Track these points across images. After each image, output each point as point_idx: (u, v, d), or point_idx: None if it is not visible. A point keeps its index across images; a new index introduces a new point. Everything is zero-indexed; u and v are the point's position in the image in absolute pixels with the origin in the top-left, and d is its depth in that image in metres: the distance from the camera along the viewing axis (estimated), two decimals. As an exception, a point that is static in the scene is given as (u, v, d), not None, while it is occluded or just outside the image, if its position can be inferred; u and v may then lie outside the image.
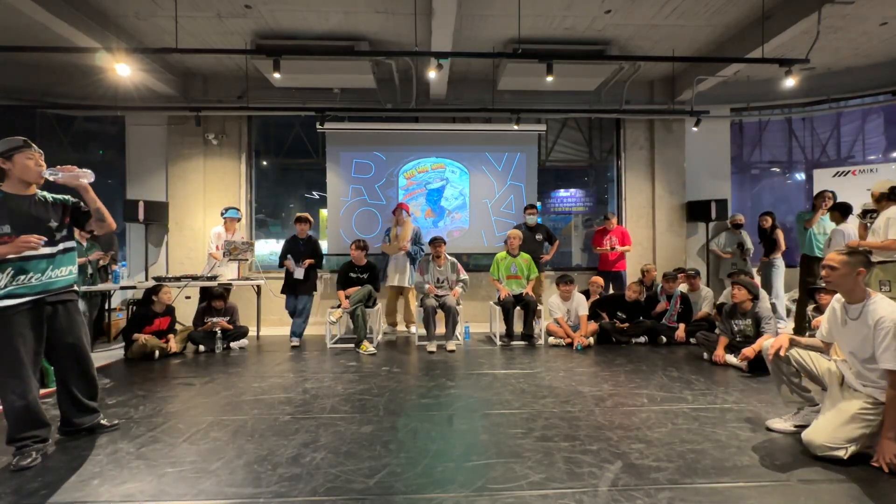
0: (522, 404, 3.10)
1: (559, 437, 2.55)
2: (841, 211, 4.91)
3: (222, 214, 5.58)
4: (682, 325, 4.99)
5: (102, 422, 2.68)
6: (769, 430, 2.65)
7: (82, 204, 2.52)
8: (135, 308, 5.57)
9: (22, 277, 2.30)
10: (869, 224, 4.01)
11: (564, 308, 5.12)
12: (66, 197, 2.54)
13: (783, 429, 2.62)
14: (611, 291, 6.04)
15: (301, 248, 5.33)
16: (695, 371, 3.92)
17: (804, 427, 2.55)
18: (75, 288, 2.57)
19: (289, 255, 5.29)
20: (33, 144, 2.39)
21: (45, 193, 2.47)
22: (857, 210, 4.50)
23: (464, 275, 5.31)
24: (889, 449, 2.17)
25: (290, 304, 5.35)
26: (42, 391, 3.32)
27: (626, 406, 3.06)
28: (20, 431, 2.30)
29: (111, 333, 5.50)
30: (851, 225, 4.85)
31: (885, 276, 3.95)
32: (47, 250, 2.38)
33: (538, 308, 5.31)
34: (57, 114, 6.55)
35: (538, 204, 6.38)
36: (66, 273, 2.48)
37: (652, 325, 5.09)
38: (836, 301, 2.50)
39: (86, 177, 2.42)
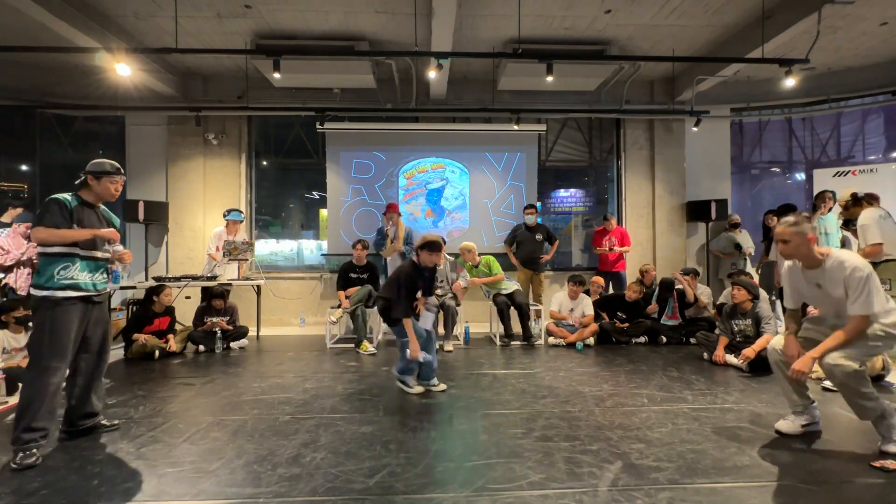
0: (522, 404, 3.10)
1: (559, 437, 2.55)
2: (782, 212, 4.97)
3: (225, 216, 5.58)
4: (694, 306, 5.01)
5: (102, 422, 2.69)
6: (778, 433, 2.62)
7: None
8: (136, 308, 5.57)
9: (79, 274, 2.48)
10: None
11: (569, 306, 5.12)
12: (111, 215, 2.79)
13: (792, 431, 2.59)
14: (611, 291, 6.05)
15: (426, 283, 3.61)
16: (695, 371, 3.92)
17: (810, 424, 2.58)
18: (108, 290, 2.78)
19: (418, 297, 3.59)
20: (122, 171, 2.73)
21: (104, 208, 2.76)
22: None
23: (464, 272, 5.31)
24: (804, 363, 2.33)
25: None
26: (13, 401, 3.30)
27: (626, 406, 3.06)
28: (37, 420, 2.29)
29: (111, 333, 5.49)
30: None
31: (884, 275, 3.98)
32: (100, 254, 2.61)
33: (536, 308, 5.30)
34: (57, 114, 6.55)
35: (538, 204, 6.38)
36: (104, 278, 2.66)
37: (652, 325, 5.09)
38: (794, 264, 2.56)
39: (121, 267, 2.78)
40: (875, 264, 4.07)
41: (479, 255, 5.41)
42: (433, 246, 3.43)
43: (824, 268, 2.40)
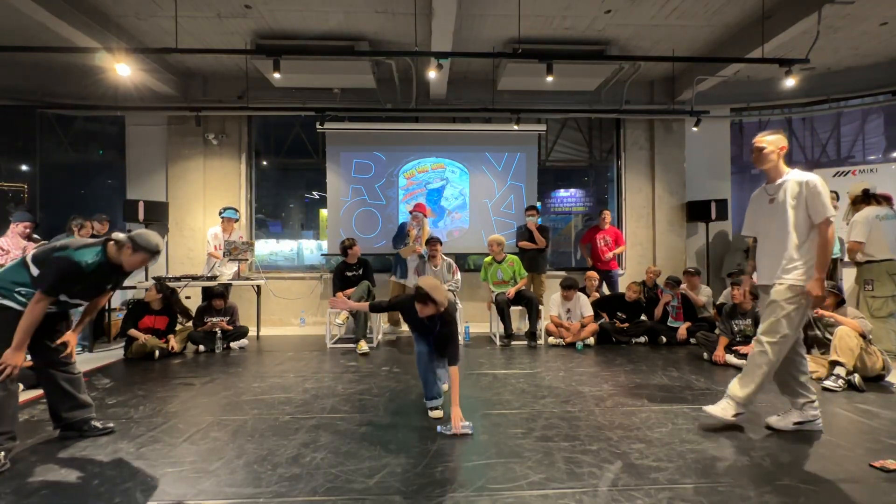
0: (522, 404, 3.10)
1: (559, 437, 2.55)
2: None
3: (220, 214, 5.59)
4: (685, 325, 4.99)
5: (96, 424, 2.63)
6: (768, 428, 2.65)
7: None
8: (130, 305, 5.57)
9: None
10: None
11: (565, 308, 5.12)
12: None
13: (783, 426, 2.62)
14: (606, 292, 6.03)
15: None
16: (695, 371, 3.92)
17: (804, 423, 2.58)
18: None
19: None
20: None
21: None
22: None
23: (457, 275, 5.32)
24: (814, 287, 2.45)
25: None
26: (32, 394, 3.31)
27: (626, 406, 3.06)
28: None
29: (111, 333, 5.49)
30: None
31: (868, 276, 4.01)
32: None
33: (539, 307, 5.30)
34: (57, 114, 6.55)
35: (538, 204, 6.38)
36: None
37: (652, 325, 5.09)
38: (757, 190, 2.79)
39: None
40: (858, 264, 4.11)
41: (506, 253, 5.45)
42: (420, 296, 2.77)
43: (785, 180, 2.59)
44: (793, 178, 2.56)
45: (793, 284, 2.51)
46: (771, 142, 2.61)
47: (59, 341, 2.52)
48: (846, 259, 5.08)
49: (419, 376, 3.03)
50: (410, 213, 5.78)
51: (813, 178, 2.52)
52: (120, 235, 2.46)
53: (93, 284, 2.46)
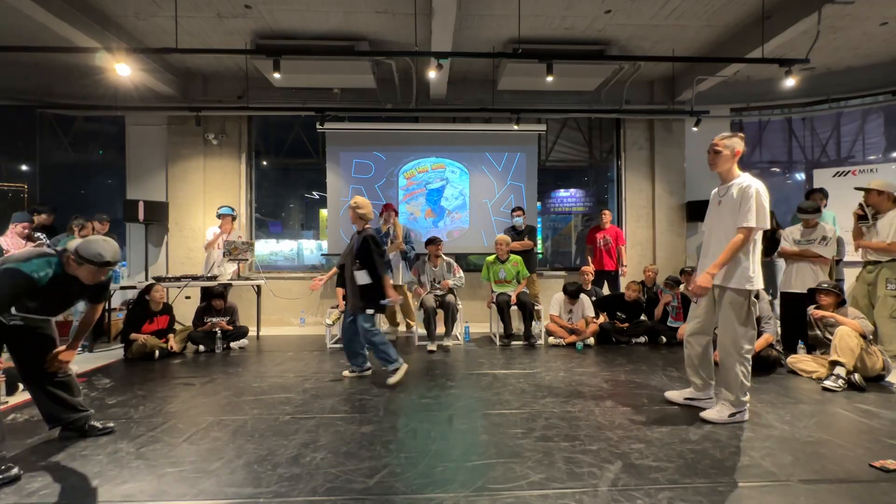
0: (522, 404, 3.10)
1: (559, 437, 2.55)
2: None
3: (217, 215, 5.61)
4: (685, 325, 4.98)
5: (95, 423, 2.63)
6: (668, 401, 3.07)
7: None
8: (129, 308, 5.57)
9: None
10: (866, 229, 4.02)
11: (567, 309, 5.12)
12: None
13: (677, 399, 3.03)
14: (606, 290, 6.03)
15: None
16: (695, 371, 3.91)
17: (695, 400, 2.98)
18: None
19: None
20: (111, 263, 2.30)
21: None
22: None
23: (460, 273, 5.32)
24: (702, 280, 2.68)
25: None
26: (13, 401, 3.26)
27: (626, 406, 3.06)
28: None
29: (111, 333, 5.49)
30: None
31: (892, 275, 3.97)
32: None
33: (536, 309, 5.30)
34: (57, 114, 6.55)
35: (538, 204, 6.37)
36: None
37: (652, 325, 5.09)
38: (714, 189, 2.90)
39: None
40: (876, 262, 4.05)
41: (509, 253, 5.43)
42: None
43: (733, 183, 2.72)
44: (739, 182, 2.69)
45: (739, 289, 2.66)
46: (727, 146, 2.76)
47: (56, 362, 2.46)
48: (846, 258, 5.07)
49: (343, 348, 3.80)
50: (380, 214, 5.75)
51: (752, 184, 2.63)
52: (71, 245, 2.26)
53: (54, 298, 2.31)
